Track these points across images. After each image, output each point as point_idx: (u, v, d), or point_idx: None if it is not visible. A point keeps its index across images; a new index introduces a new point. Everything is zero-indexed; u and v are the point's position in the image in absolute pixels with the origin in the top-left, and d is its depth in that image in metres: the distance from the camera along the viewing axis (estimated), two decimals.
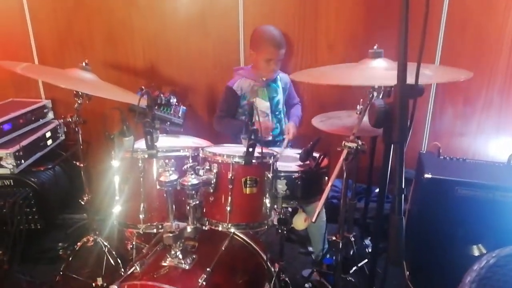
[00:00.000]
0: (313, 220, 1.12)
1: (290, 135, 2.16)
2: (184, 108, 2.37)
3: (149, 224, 1.44)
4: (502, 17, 2.25)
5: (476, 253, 1.87)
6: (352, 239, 1.69)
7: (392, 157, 0.77)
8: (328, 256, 2.08)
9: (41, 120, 2.59)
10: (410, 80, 0.81)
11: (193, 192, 1.30)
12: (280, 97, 2.35)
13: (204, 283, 1.24)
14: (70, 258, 1.93)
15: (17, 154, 2.19)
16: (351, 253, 1.74)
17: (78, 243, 1.94)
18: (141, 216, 1.43)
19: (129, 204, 1.46)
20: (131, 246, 1.77)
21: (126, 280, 1.26)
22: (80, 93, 1.77)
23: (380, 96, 1.32)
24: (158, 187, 1.29)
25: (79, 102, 1.78)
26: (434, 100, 2.50)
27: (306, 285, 1.94)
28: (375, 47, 1.37)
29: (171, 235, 1.29)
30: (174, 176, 1.28)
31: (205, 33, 2.54)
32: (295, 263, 2.23)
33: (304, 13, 2.43)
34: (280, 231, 1.65)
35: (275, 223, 1.57)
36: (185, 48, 2.59)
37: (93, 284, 1.86)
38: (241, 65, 2.55)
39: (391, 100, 0.80)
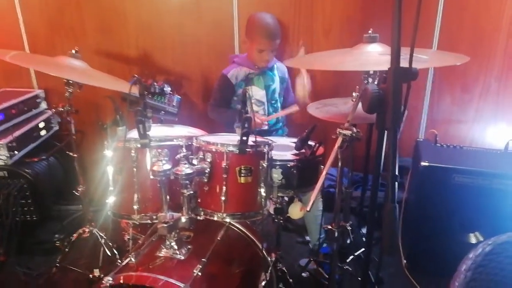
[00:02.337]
0: (308, 209, 1.10)
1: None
2: (179, 97, 2.34)
3: (143, 214, 1.42)
4: (499, 2, 2.21)
5: (473, 240, 1.87)
6: (349, 228, 1.67)
7: (386, 144, 0.76)
8: (325, 245, 2.09)
9: (34, 110, 2.55)
10: (405, 64, 0.79)
11: (187, 181, 1.28)
12: (276, 85, 2.32)
13: (199, 273, 1.23)
14: (67, 250, 1.93)
15: (10, 145, 2.16)
16: (348, 242, 1.73)
17: (74, 235, 1.93)
18: (135, 207, 1.42)
19: (123, 194, 1.45)
20: (128, 237, 1.77)
21: (121, 272, 1.25)
22: (70, 82, 1.74)
23: (376, 82, 1.30)
24: (151, 177, 1.28)
25: (70, 90, 1.75)
26: (432, 87, 2.47)
27: (303, 274, 1.95)
28: (369, 31, 1.34)
29: (165, 225, 1.28)
30: (167, 166, 1.26)
31: (199, 19, 2.50)
32: (292, 252, 2.23)
33: (300, 1, 2.38)
34: (276, 220, 1.65)
35: (271, 212, 1.57)
36: (179, 35, 2.55)
37: (90, 275, 1.85)
38: (236, 52, 2.51)
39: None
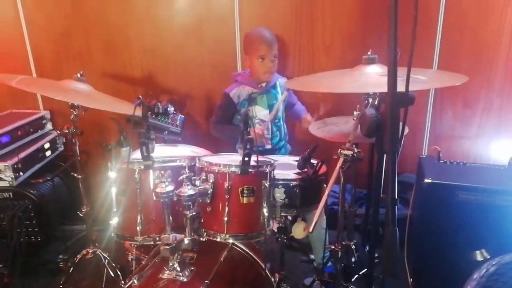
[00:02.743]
0: (310, 230, 1.10)
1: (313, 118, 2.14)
2: (182, 116, 2.36)
3: (146, 236, 1.43)
4: (499, 19, 2.24)
5: (479, 258, 1.85)
6: (353, 246, 1.66)
7: (385, 167, 0.76)
8: (329, 264, 2.06)
9: (39, 131, 2.59)
10: (404, 86, 0.80)
11: (190, 203, 1.29)
12: (279, 104, 2.33)
13: None
14: (71, 271, 1.92)
15: (15, 166, 2.18)
16: (353, 260, 1.72)
17: (78, 256, 1.93)
18: (138, 228, 1.42)
19: (126, 215, 1.45)
20: (131, 257, 1.76)
21: None
22: (75, 104, 1.77)
23: (376, 102, 1.31)
24: (154, 198, 1.29)
25: (75, 113, 1.78)
26: (433, 104, 2.48)
27: None
28: (369, 53, 1.36)
29: (168, 247, 1.28)
30: (170, 187, 1.27)
31: (201, 40, 2.54)
32: (297, 271, 2.21)
33: (301, 18, 2.42)
34: (280, 239, 1.64)
35: (275, 231, 1.56)
36: (182, 56, 2.59)
37: None
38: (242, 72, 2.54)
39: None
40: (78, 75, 1.81)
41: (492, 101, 2.41)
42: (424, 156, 2.18)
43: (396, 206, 0.75)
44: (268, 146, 2.29)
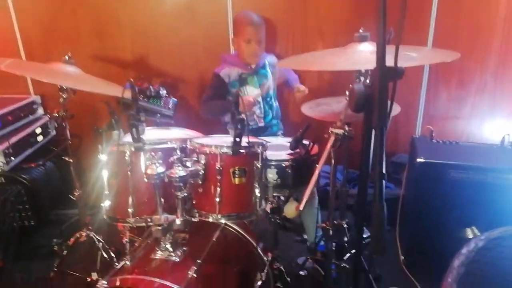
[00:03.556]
0: (301, 208, 1.11)
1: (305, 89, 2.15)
2: (175, 99, 2.34)
3: (138, 217, 1.42)
4: None
5: (470, 235, 1.87)
6: (345, 226, 1.67)
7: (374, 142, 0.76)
8: (322, 243, 2.08)
9: (30, 116, 2.56)
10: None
11: (181, 184, 1.28)
12: (270, 83, 2.32)
13: (194, 275, 1.23)
14: (65, 254, 1.93)
15: (6, 151, 2.17)
16: (345, 239, 1.73)
17: (71, 239, 1.93)
18: (130, 210, 1.41)
19: (118, 198, 1.45)
20: (126, 240, 1.77)
21: (116, 275, 1.25)
22: (64, 87, 1.74)
23: (368, 80, 1.30)
24: (145, 180, 1.28)
25: (64, 96, 1.75)
26: (428, 84, 2.47)
27: (301, 272, 1.94)
28: (360, 30, 1.34)
29: (159, 228, 1.28)
30: (161, 169, 1.26)
31: (194, 21, 2.50)
32: (290, 251, 2.23)
33: (293, 0, 2.38)
34: (273, 220, 1.65)
35: (268, 211, 1.57)
36: (174, 38, 2.55)
37: (88, 279, 1.85)
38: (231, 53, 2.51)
39: None
40: (66, 57, 1.78)
41: (486, 81, 2.40)
42: (417, 136, 2.19)
43: (384, 182, 0.74)
44: (261, 124, 2.29)
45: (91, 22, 2.55)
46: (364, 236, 2.04)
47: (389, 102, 0.76)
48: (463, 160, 1.83)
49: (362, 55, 1.31)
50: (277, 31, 2.43)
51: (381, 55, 0.74)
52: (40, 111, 2.67)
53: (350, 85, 1.47)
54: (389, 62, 0.78)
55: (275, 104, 2.40)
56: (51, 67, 1.76)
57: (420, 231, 1.96)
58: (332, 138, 1.15)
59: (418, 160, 1.84)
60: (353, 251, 1.75)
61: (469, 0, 2.25)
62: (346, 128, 1.15)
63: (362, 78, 1.30)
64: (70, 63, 1.78)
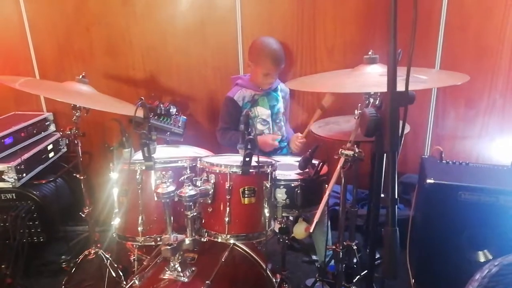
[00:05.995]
0: (311, 230, 1.10)
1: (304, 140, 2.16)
2: (184, 117, 2.37)
3: (147, 236, 1.42)
4: (502, 18, 2.23)
5: (482, 259, 1.84)
6: (355, 247, 1.66)
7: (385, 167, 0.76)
8: (332, 263, 2.06)
9: (42, 133, 2.60)
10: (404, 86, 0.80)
11: (191, 203, 1.29)
12: (280, 105, 2.36)
13: None
14: (73, 271, 1.93)
15: (18, 167, 2.19)
16: (354, 261, 1.71)
17: (80, 256, 1.94)
18: (139, 229, 1.42)
19: (127, 216, 1.45)
20: (133, 258, 1.77)
21: None
22: (77, 106, 1.78)
23: (377, 102, 1.31)
24: (155, 199, 1.29)
25: (77, 114, 1.79)
26: (436, 104, 2.47)
27: None
28: (370, 52, 1.36)
29: (169, 247, 1.28)
30: (171, 188, 1.27)
31: (204, 41, 2.55)
32: (298, 272, 2.21)
33: (302, 20, 2.42)
34: (281, 240, 1.64)
35: (277, 231, 1.56)
36: (184, 57, 2.60)
37: None
38: (240, 73, 2.54)
39: None
40: (80, 76, 1.82)
41: (495, 101, 2.40)
42: (426, 156, 2.18)
43: (396, 206, 0.74)
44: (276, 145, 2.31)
45: (104, 41, 2.60)
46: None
47: (400, 126, 0.77)
48: (473, 181, 1.81)
49: (371, 77, 1.33)
50: (285, 52, 2.46)
51: (392, 81, 0.75)
52: (52, 127, 2.71)
53: (359, 105, 1.50)
54: (399, 84, 0.80)
55: (287, 127, 2.42)
56: (65, 86, 1.80)
57: (431, 253, 1.93)
58: (342, 160, 1.16)
59: (428, 181, 1.83)
60: (363, 273, 1.74)
61: (475, 20, 2.26)
62: (356, 150, 1.16)
63: (371, 100, 1.31)
64: (84, 82, 1.82)
